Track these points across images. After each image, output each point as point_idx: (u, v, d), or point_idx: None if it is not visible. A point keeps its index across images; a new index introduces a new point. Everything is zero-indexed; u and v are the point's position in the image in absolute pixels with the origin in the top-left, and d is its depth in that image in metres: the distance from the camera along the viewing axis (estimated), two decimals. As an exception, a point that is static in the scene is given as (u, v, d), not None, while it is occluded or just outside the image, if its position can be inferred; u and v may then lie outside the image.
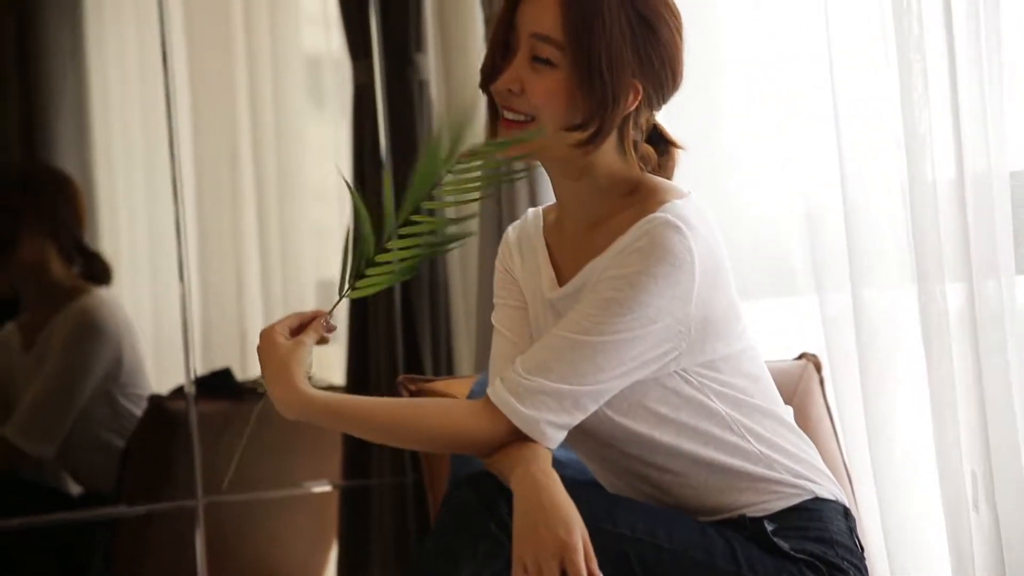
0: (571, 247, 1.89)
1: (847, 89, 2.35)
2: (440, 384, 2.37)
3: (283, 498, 3.43)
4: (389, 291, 3.35)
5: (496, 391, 1.79)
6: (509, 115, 1.82)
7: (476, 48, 3.20)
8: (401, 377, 2.37)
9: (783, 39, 2.51)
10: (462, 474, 2.09)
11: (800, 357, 2.48)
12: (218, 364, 3.43)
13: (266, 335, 1.84)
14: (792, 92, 2.50)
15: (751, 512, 1.86)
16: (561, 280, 1.89)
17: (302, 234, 3.63)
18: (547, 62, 1.79)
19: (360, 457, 3.40)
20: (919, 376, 2.29)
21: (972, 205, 2.21)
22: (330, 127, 3.66)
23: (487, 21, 2.97)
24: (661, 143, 1.91)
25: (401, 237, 1.82)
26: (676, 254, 1.75)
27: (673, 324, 1.78)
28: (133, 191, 3.54)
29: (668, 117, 1.92)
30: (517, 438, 1.79)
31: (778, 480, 1.87)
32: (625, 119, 1.83)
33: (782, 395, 1.97)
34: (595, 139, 1.80)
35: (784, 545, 1.83)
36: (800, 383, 2.42)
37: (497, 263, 1.99)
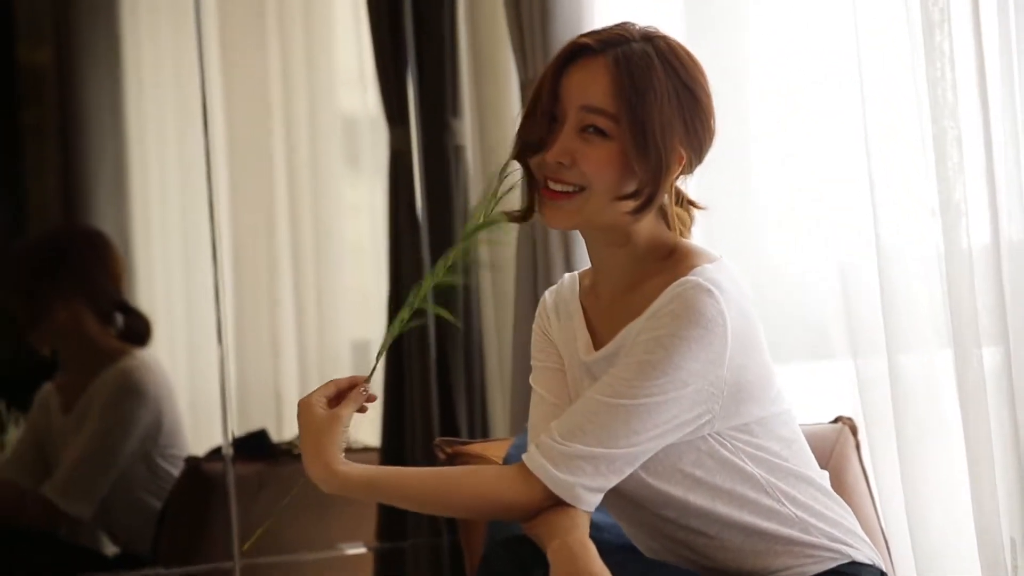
0: (607, 311, 1.90)
1: (882, 156, 2.36)
2: (476, 447, 2.37)
3: (318, 560, 3.43)
4: (424, 354, 3.36)
5: (531, 457, 1.80)
6: (556, 186, 1.82)
7: (511, 113, 3.23)
8: (437, 440, 2.37)
9: (818, 104, 2.53)
10: (499, 536, 2.09)
11: (836, 421, 2.48)
12: (254, 426, 3.44)
13: (303, 406, 1.84)
14: (827, 158, 2.51)
15: (785, 574, 1.86)
16: (597, 344, 1.90)
17: (338, 296, 3.65)
18: (600, 133, 1.80)
19: (395, 519, 3.39)
20: (956, 441, 2.29)
21: (1008, 271, 2.22)
22: (366, 189, 3.69)
23: (523, 86, 3.00)
24: (681, 203, 1.92)
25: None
26: (708, 317, 1.76)
27: (706, 387, 1.79)
28: (171, 253, 3.57)
29: (703, 180, 1.94)
30: (554, 503, 1.79)
31: (814, 544, 1.87)
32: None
33: (817, 459, 1.97)
34: (648, 206, 1.82)
35: (821, 610, 1.84)
36: (836, 447, 2.42)
37: (534, 326, 2.00)
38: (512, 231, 3.09)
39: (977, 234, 2.24)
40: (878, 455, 2.43)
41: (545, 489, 1.79)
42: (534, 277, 2.97)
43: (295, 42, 3.64)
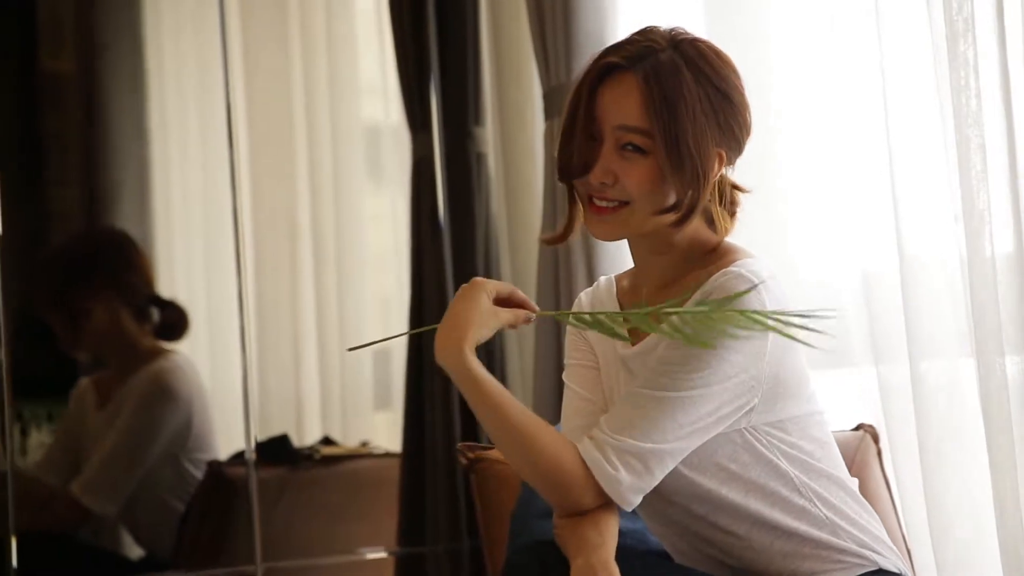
0: (645, 307, 1.92)
1: (905, 164, 2.37)
2: (498, 452, 2.38)
3: (339, 564, 3.44)
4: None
5: (587, 449, 1.81)
6: (601, 203, 1.85)
7: (534, 121, 3.24)
8: (460, 445, 2.38)
9: (841, 112, 2.53)
10: (522, 542, 2.10)
11: (857, 428, 2.49)
12: (275, 431, 3.46)
13: (476, 286, 1.81)
14: (850, 166, 2.52)
15: None
16: (634, 339, 1.91)
17: (359, 303, 3.66)
18: (638, 149, 1.82)
19: (416, 524, 3.40)
20: (978, 449, 2.29)
21: (1031, 279, 2.22)
22: (388, 198, 3.70)
23: (545, 93, 3.00)
24: (724, 195, 1.93)
25: None
26: (752, 308, 1.77)
27: (747, 380, 1.80)
28: (193, 260, 3.58)
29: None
30: (601, 499, 1.80)
31: (843, 548, 1.87)
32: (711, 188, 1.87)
33: (842, 466, 1.98)
34: (689, 216, 1.85)
35: (847, 616, 1.84)
36: (858, 454, 2.42)
37: (570, 326, 2.02)
38: (535, 239, 3.10)
39: (1000, 242, 2.24)
40: (900, 463, 2.44)
41: (597, 484, 1.80)
42: (556, 284, 2.98)
43: (318, 50, 3.65)
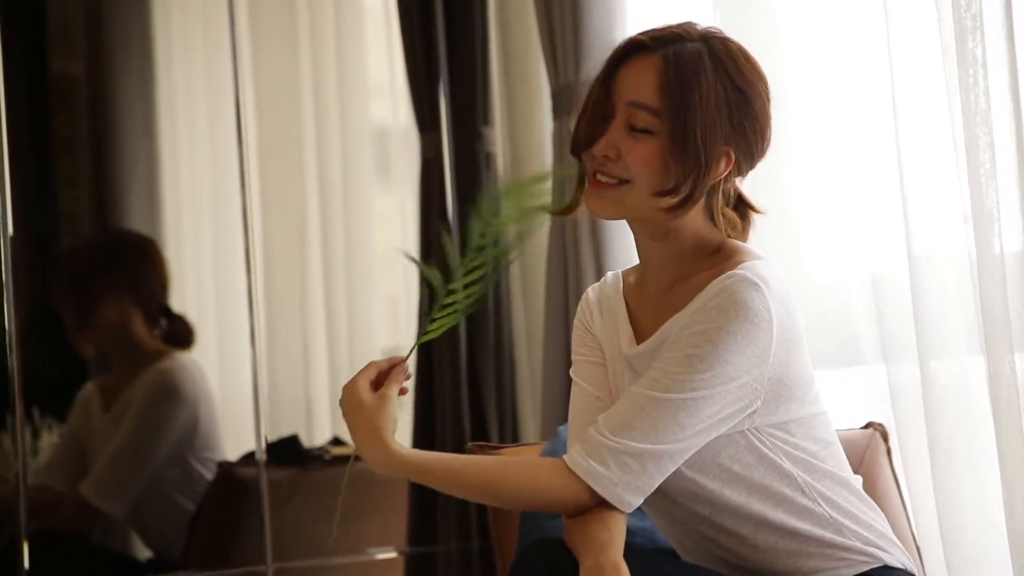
0: (651, 306, 1.92)
1: (914, 162, 2.37)
2: (507, 451, 2.38)
3: (349, 564, 3.44)
4: (455, 359, 3.37)
5: (574, 459, 1.81)
6: (602, 178, 1.85)
7: (542, 121, 3.24)
8: (470, 444, 2.39)
9: (850, 111, 2.53)
10: (530, 540, 2.10)
11: (867, 427, 2.49)
12: (285, 431, 3.46)
13: (349, 391, 1.85)
14: (859, 165, 2.52)
15: None
16: (639, 338, 1.92)
17: (369, 303, 3.66)
18: (646, 131, 1.83)
19: (426, 523, 3.41)
20: (988, 447, 2.29)
21: (1040, 277, 2.22)
22: (397, 198, 3.70)
23: (554, 94, 3.01)
24: (741, 207, 1.94)
25: (465, 275, 1.87)
26: (755, 311, 1.78)
27: (750, 382, 1.80)
28: (203, 261, 3.59)
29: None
30: (599, 502, 1.81)
31: (847, 547, 1.87)
32: (714, 185, 1.87)
33: (850, 464, 1.97)
34: (685, 204, 1.84)
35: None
36: (867, 453, 2.42)
37: (576, 321, 2.03)
38: (544, 234, 3.10)
39: (1009, 240, 2.24)
40: (909, 461, 2.44)
41: (590, 489, 1.80)
42: (564, 282, 2.98)
43: (327, 51, 3.65)
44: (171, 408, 3.36)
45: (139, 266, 3.44)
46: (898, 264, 2.43)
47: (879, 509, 1.96)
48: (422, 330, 1.89)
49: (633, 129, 1.83)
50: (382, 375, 1.87)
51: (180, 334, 3.41)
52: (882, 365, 2.48)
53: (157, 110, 3.62)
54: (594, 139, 1.85)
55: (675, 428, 1.79)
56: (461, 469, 1.83)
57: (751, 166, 1.89)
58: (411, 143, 3.52)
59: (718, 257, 1.88)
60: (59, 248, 3.49)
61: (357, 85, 3.66)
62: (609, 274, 2.03)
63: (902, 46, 2.39)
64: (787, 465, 1.86)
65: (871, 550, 1.89)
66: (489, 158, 3.41)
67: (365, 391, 1.85)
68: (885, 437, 2.47)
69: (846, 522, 1.88)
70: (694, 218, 1.88)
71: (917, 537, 2.40)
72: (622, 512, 1.82)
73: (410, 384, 3.51)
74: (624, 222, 1.93)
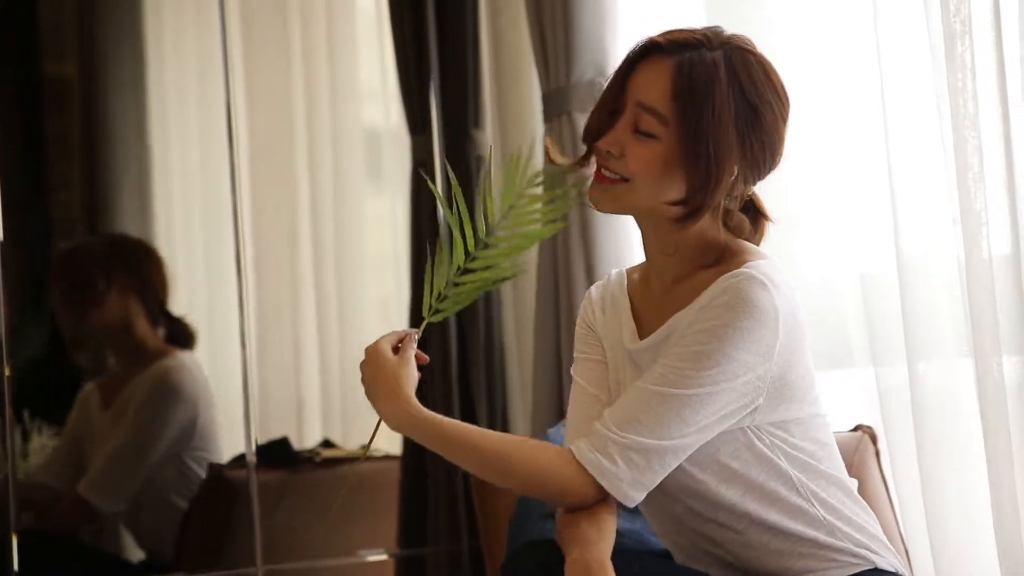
0: (655, 302, 1.93)
1: (903, 166, 2.38)
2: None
3: (339, 566, 3.44)
4: (445, 353, 3.37)
5: (582, 451, 1.82)
6: (606, 172, 1.86)
7: (533, 124, 3.25)
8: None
9: (839, 114, 2.54)
10: (520, 542, 2.11)
11: (856, 429, 2.49)
12: (275, 434, 3.46)
13: (373, 352, 1.86)
14: (848, 168, 2.53)
15: None
16: (642, 333, 1.93)
17: (359, 306, 3.66)
18: (649, 134, 1.83)
19: (416, 525, 3.41)
20: (976, 449, 2.29)
21: (1028, 280, 2.23)
22: (388, 200, 3.70)
23: (545, 97, 3.01)
24: (752, 212, 1.95)
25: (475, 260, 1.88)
26: (761, 309, 1.79)
27: (754, 379, 1.81)
28: (194, 263, 3.59)
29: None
30: (600, 497, 1.82)
31: (839, 548, 1.88)
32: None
33: (842, 467, 1.98)
34: (694, 216, 1.85)
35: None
36: (856, 455, 2.43)
37: (579, 319, 2.04)
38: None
39: (997, 243, 2.25)
40: (898, 464, 2.44)
41: (595, 483, 1.80)
42: (555, 280, 2.98)
43: (319, 54, 3.66)
44: (170, 406, 3.36)
45: (143, 265, 3.44)
46: (887, 267, 2.43)
47: (872, 512, 1.96)
48: (431, 303, 1.89)
49: (638, 131, 1.84)
50: (401, 340, 1.89)
51: (181, 334, 3.41)
52: (870, 367, 2.49)
53: (149, 112, 3.62)
54: (603, 132, 1.86)
55: (680, 424, 1.79)
56: (478, 437, 1.83)
57: (758, 177, 1.90)
58: (402, 146, 3.52)
59: (723, 255, 1.89)
60: (61, 247, 3.50)
61: (348, 87, 3.67)
62: (613, 272, 2.04)
63: (892, 50, 2.39)
64: (784, 464, 1.87)
65: (862, 552, 1.89)
66: (480, 161, 3.42)
67: (388, 351, 1.86)
68: (874, 439, 2.47)
69: (839, 524, 1.89)
70: (701, 223, 1.88)
71: (905, 538, 2.40)
72: (613, 513, 1.83)
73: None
74: (618, 222, 1.95)
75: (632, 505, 1.83)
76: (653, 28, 2.32)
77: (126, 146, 3.61)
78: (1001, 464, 2.24)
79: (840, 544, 1.88)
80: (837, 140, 2.55)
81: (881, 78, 2.39)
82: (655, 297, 1.93)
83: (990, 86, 2.24)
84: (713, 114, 1.80)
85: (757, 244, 1.94)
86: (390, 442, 3.48)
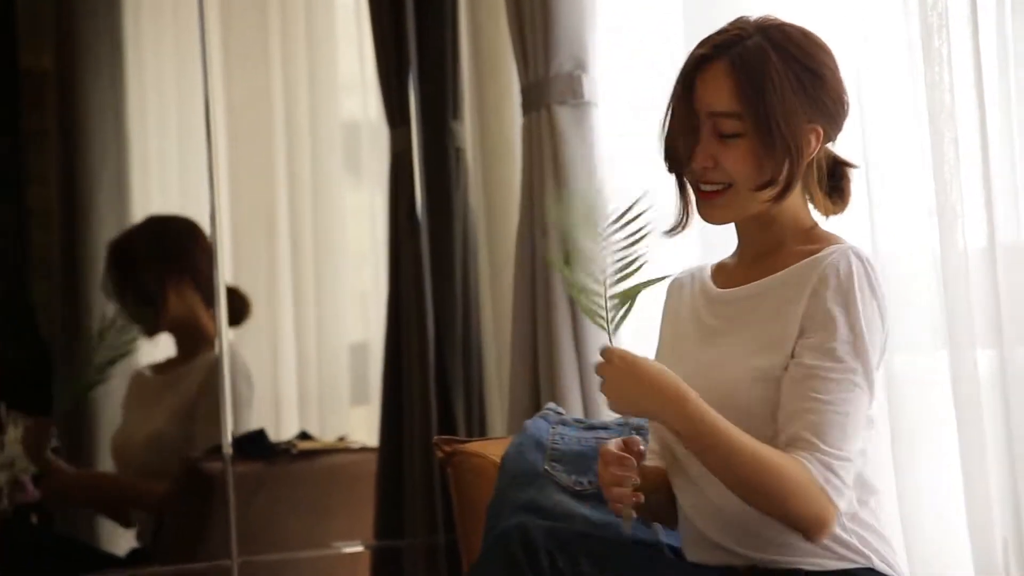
0: (738, 272, 2.00)
1: (879, 158, 2.39)
2: (475, 445, 2.38)
3: (316, 558, 3.45)
4: (423, 353, 3.38)
5: (821, 472, 1.83)
6: (706, 187, 1.93)
7: (512, 116, 3.25)
8: (436, 438, 2.38)
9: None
10: (495, 533, 2.10)
11: (831, 422, 2.50)
12: (252, 425, 3.46)
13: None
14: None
15: (807, 566, 1.88)
16: (729, 284, 1.99)
17: (337, 298, 3.67)
18: (733, 135, 1.90)
19: (392, 517, 3.41)
20: (950, 442, 2.30)
21: (1003, 273, 2.24)
22: (366, 193, 3.71)
23: (523, 89, 3.01)
24: (837, 168, 2.01)
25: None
26: (881, 293, 1.92)
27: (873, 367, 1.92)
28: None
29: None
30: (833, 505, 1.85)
31: (843, 541, 1.89)
32: (808, 163, 1.94)
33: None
34: (786, 191, 1.92)
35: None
36: (831, 448, 2.43)
37: (664, 307, 2.08)
38: (511, 230, 3.10)
39: (973, 236, 2.26)
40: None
41: (834, 506, 1.83)
42: (532, 276, 2.98)
43: (297, 47, 3.66)
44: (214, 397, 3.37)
45: (190, 250, 3.44)
46: (863, 259, 2.44)
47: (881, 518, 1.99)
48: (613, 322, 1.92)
49: (722, 136, 1.90)
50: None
51: (235, 309, 3.43)
52: (846, 360, 2.49)
53: (127, 106, 3.63)
54: (690, 155, 1.92)
55: (862, 416, 1.89)
56: (738, 443, 1.82)
57: (839, 129, 1.96)
58: (381, 138, 3.53)
59: (813, 236, 1.96)
60: (114, 246, 3.47)
61: (327, 80, 3.67)
62: (696, 265, 2.10)
63: (869, 43, 2.40)
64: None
65: (865, 551, 1.91)
66: (459, 153, 3.42)
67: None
68: (849, 432, 2.48)
69: (846, 521, 1.90)
70: (794, 199, 1.95)
71: (880, 530, 2.41)
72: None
73: (377, 377, 3.54)
74: None
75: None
76: (632, 21, 2.32)
77: (104, 139, 3.61)
78: (974, 456, 2.25)
79: (846, 537, 1.89)
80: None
81: (858, 71, 2.39)
82: (739, 270, 2.00)
83: (967, 80, 2.26)
84: (776, 92, 1.88)
85: (846, 201, 2.01)
86: (368, 434, 3.49)
